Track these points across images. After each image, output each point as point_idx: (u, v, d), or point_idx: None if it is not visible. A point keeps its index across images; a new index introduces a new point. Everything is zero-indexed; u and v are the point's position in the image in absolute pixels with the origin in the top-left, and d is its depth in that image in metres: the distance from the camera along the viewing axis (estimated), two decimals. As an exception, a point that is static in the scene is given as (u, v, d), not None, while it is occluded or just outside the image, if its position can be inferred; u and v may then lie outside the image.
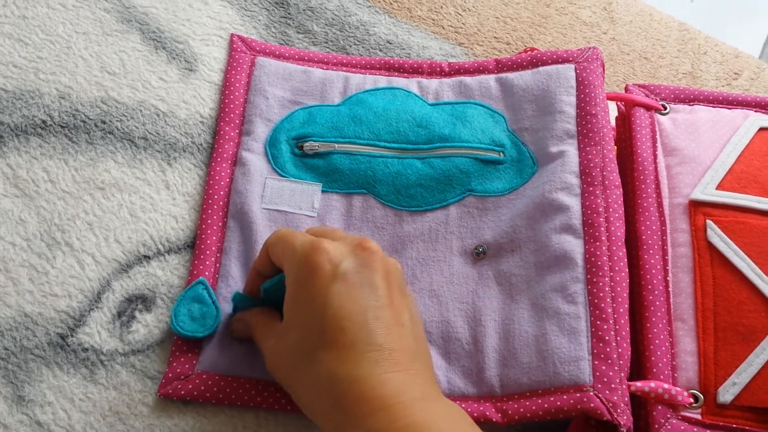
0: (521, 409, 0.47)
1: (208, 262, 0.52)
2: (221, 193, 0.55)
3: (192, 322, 0.49)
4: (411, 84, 0.60)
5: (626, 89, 0.60)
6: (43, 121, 0.56)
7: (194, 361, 0.49)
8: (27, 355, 0.48)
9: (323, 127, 0.57)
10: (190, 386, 0.48)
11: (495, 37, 0.67)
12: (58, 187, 0.54)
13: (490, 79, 0.60)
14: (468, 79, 0.60)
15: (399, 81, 0.60)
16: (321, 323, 0.40)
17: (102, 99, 0.57)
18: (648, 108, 0.58)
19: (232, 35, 0.62)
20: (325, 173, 0.56)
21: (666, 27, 0.71)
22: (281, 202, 0.54)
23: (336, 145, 0.56)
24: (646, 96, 0.59)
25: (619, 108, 0.61)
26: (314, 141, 0.56)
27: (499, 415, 0.47)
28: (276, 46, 0.61)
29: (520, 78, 0.59)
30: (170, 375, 0.48)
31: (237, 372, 0.49)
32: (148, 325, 0.50)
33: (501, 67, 0.60)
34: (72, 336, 0.49)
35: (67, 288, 0.51)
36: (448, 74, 0.61)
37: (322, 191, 0.55)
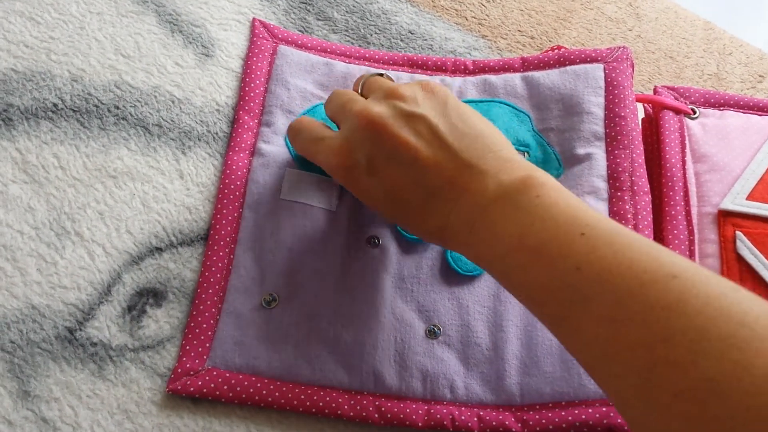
0: (543, 420, 0.46)
1: (221, 253, 0.50)
2: (238, 183, 0.53)
3: None
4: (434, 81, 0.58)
5: (655, 91, 0.59)
6: (55, 105, 0.54)
7: (205, 357, 0.47)
8: (33, 348, 0.47)
9: (344, 121, 0.55)
10: (200, 383, 0.46)
11: (519, 31, 0.66)
12: (68, 174, 0.52)
13: (515, 78, 0.58)
14: (493, 77, 0.58)
15: (422, 78, 0.58)
16: None
17: (116, 83, 0.55)
18: (677, 111, 0.57)
19: (254, 20, 0.60)
20: (345, 169, 0.54)
21: (691, 25, 0.70)
22: (300, 195, 0.52)
23: None
24: (676, 99, 0.58)
25: (646, 110, 0.59)
26: None
27: (519, 425, 0.46)
28: (299, 35, 0.59)
29: (547, 77, 0.57)
30: (180, 370, 0.47)
31: (249, 370, 0.47)
32: (158, 321, 0.49)
33: (527, 65, 0.58)
34: (80, 330, 0.47)
35: (76, 280, 0.49)
36: (473, 72, 0.59)
37: (342, 187, 0.53)
